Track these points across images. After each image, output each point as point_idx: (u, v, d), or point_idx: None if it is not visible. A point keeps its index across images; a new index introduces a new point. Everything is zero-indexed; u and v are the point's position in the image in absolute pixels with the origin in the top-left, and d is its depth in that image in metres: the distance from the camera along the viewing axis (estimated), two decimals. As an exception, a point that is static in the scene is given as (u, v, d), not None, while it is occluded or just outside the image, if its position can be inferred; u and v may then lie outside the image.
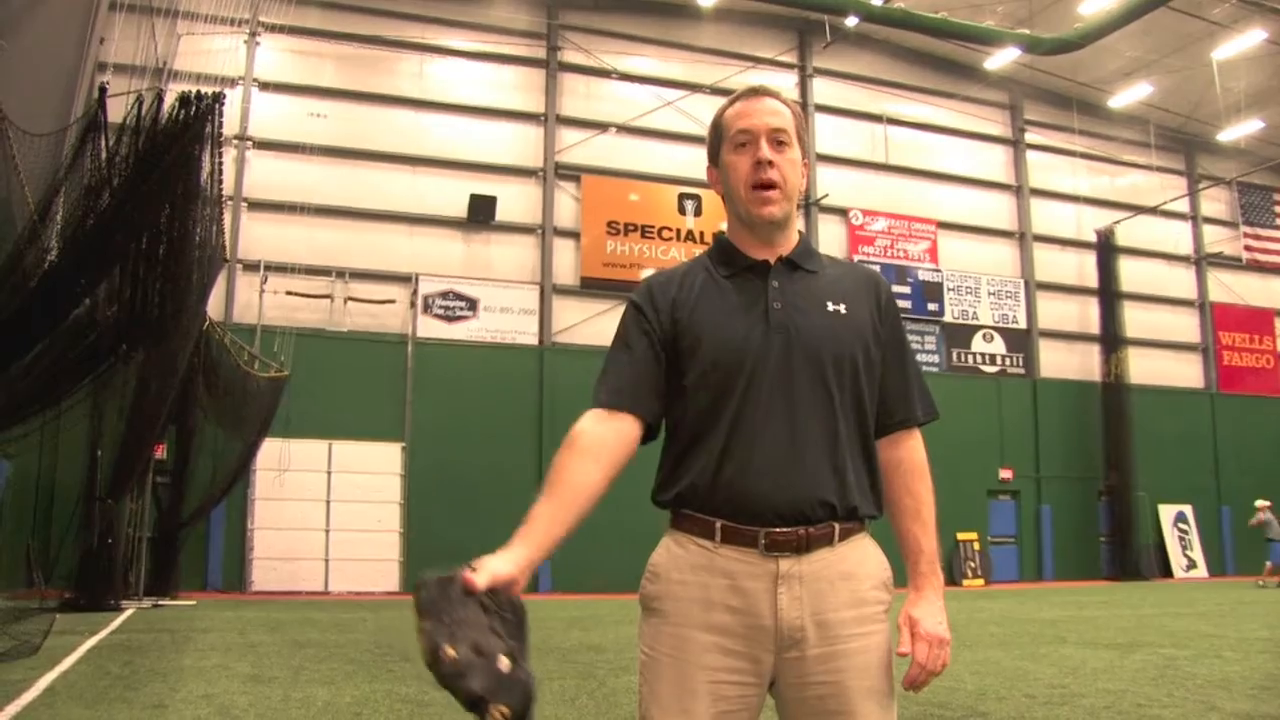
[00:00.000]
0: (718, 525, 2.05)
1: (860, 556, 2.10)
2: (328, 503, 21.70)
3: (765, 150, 2.13)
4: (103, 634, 11.30)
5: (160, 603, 16.28)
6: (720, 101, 2.30)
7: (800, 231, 2.27)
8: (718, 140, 2.24)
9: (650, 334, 2.14)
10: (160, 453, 17.78)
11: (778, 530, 2.02)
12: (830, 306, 2.15)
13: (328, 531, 21.60)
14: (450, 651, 1.76)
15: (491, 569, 1.86)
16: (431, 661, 1.76)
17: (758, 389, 2.06)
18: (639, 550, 2.18)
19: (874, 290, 2.23)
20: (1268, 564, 22.89)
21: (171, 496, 18.31)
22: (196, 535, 19.61)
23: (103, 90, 10.42)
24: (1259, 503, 23.57)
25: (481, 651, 1.77)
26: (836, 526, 2.06)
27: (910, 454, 2.22)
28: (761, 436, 2.04)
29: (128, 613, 14.45)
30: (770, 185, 2.13)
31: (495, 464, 22.57)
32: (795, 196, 2.19)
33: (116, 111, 10.60)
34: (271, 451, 20.62)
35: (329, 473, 21.81)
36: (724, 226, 2.29)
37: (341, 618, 14.56)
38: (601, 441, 2.08)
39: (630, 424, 2.10)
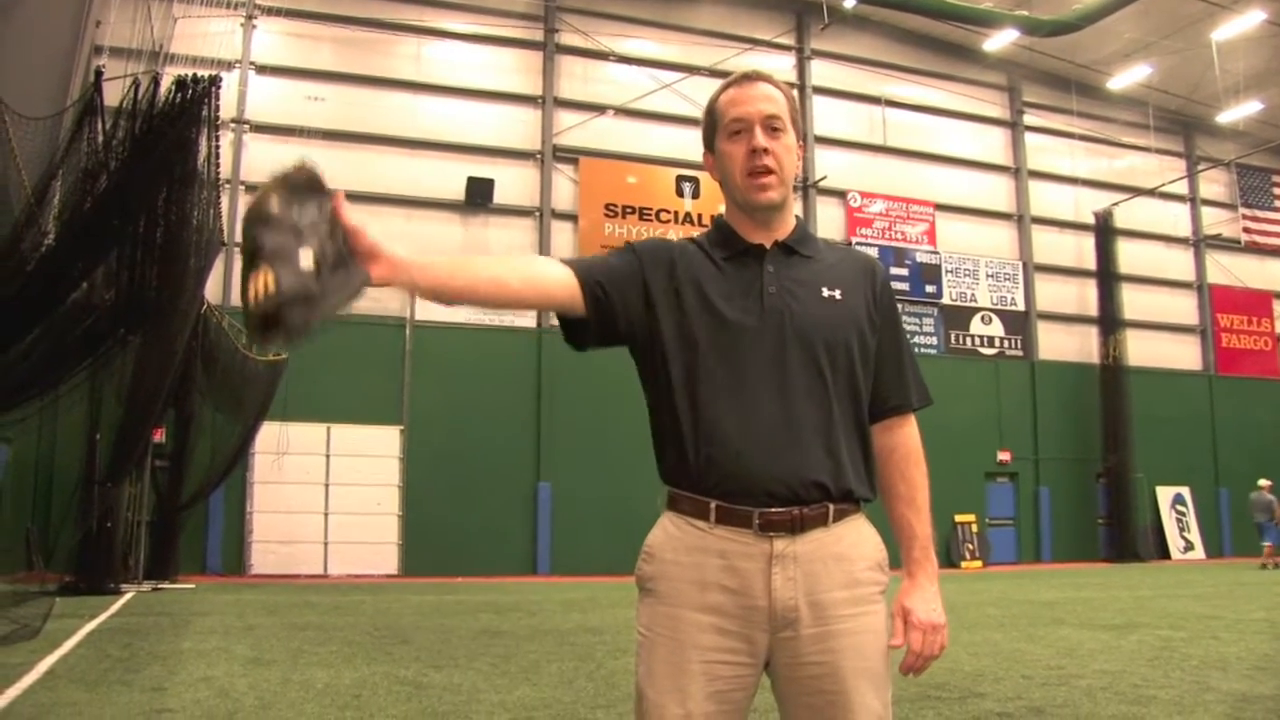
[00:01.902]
0: (712, 506, 2.05)
1: (855, 538, 2.11)
2: (326, 486, 21.73)
3: (760, 138, 2.13)
4: (102, 617, 11.32)
5: (160, 586, 16.31)
6: (717, 84, 2.29)
7: (797, 216, 2.27)
8: (712, 127, 2.23)
9: (639, 274, 2.15)
10: (159, 436, 17.78)
11: (772, 510, 2.03)
12: (825, 292, 2.15)
13: (326, 515, 21.63)
14: (274, 205, 1.70)
15: (364, 222, 1.82)
16: (253, 204, 1.71)
17: (751, 372, 2.07)
18: (637, 532, 2.19)
19: (870, 276, 2.24)
20: (1267, 545, 22.93)
21: (170, 480, 18.31)
22: (195, 519, 19.64)
23: (99, 74, 10.41)
24: (1262, 482, 23.62)
25: (297, 233, 1.71)
26: (831, 507, 2.07)
27: (905, 440, 2.23)
28: (755, 418, 2.05)
29: (127, 596, 14.48)
30: (767, 172, 2.13)
31: (493, 447, 22.62)
32: (791, 181, 2.19)
33: (113, 95, 10.59)
34: (270, 435, 20.64)
35: (327, 456, 21.83)
36: (723, 209, 2.29)
37: (340, 600, 14.60)
38: (535, 262, 2.11)
39: (572, 284, 2.08)
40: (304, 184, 1.76)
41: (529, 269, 2.10)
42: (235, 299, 21.37)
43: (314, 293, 1.70)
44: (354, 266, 1.80)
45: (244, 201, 22.17)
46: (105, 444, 15.38)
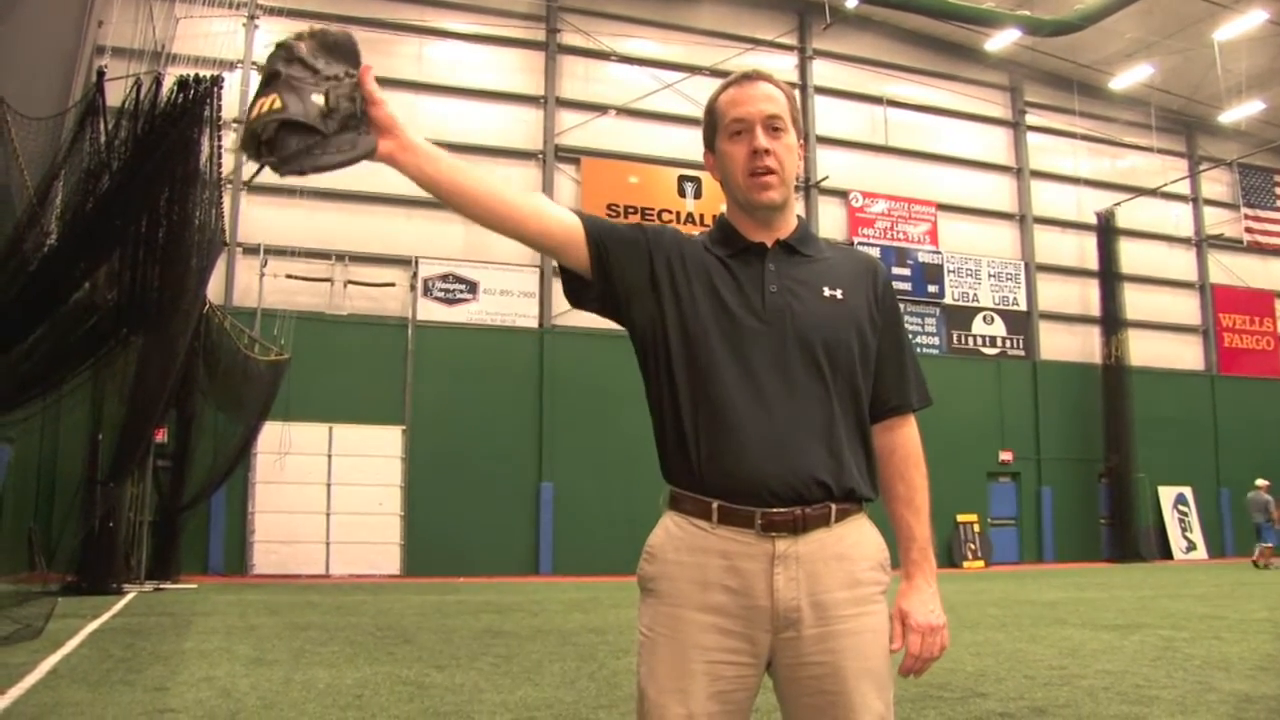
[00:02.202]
0: (714, 506, 2.05)
1: (857, 538, 2.11)
2: (328, 486, 21.73)
3: (761, 139, 2.13)
4: (105, 617, 11.34)
5: (162, 586, 16.33)
6: (719, 84, 2.29)
7: (799, 216, 2.27)
8: (713, 127, 2.23)
9: (646, 251, 2.15)
10: (161, 436, 17.79)
11: (774, 511, 2.03)
12: (827, 292, 2.15)
13: (328, 515, 21.64)
14: (304, 49, 1.73)
15: (381, 92, 1.85)
16: (284, 41, 1.74)
17: (752, 371, 2.06)
18: (639, 532, 2.19)
19: (872, 276, 2.24)
20: (1267, 545, 22.92)
21: (172, 480, 18.33)
22: (197, 519, 19.65)
23: (101, 74, 10.41)
24: (1260, 482, 23.62)
25: (316, 74, 1.73)
26: (833, 507, 2.06)
27: (905, 440, 2.23)
28: (756, 418, 2.04)
29: (129, 596, 14.50)
30: (768, 172, 2.13)
31: (495, 446, 22.63)
32: (792, 181, 2.19)
33: (115, 95, 10.59)
34: (272, 435, 20.65)
35: (329, 456, 21.84)
36: (724, 209, 2.29)
37: (342, 600, 14.60)
38: (551, 207, 2.11)
39: (575, 227, 2.11)
40: (338, 44, 1.80)
41: (535, 199, 2.10)
42: (237, 299, 21.46)
43: (316, 128, 1.72)
44: (364, 130, 1.83)
45: (247, 204, 22.21)
46: (107, 444, 15.39)
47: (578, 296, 2.17)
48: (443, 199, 2.00)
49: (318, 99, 1.73)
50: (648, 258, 2.14)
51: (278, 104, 1.69)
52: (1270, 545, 22.94)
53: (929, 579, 2.17)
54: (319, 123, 1.73)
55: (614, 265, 2.12)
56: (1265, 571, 21.49)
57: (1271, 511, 23.16)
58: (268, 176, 22.33)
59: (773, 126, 2.15)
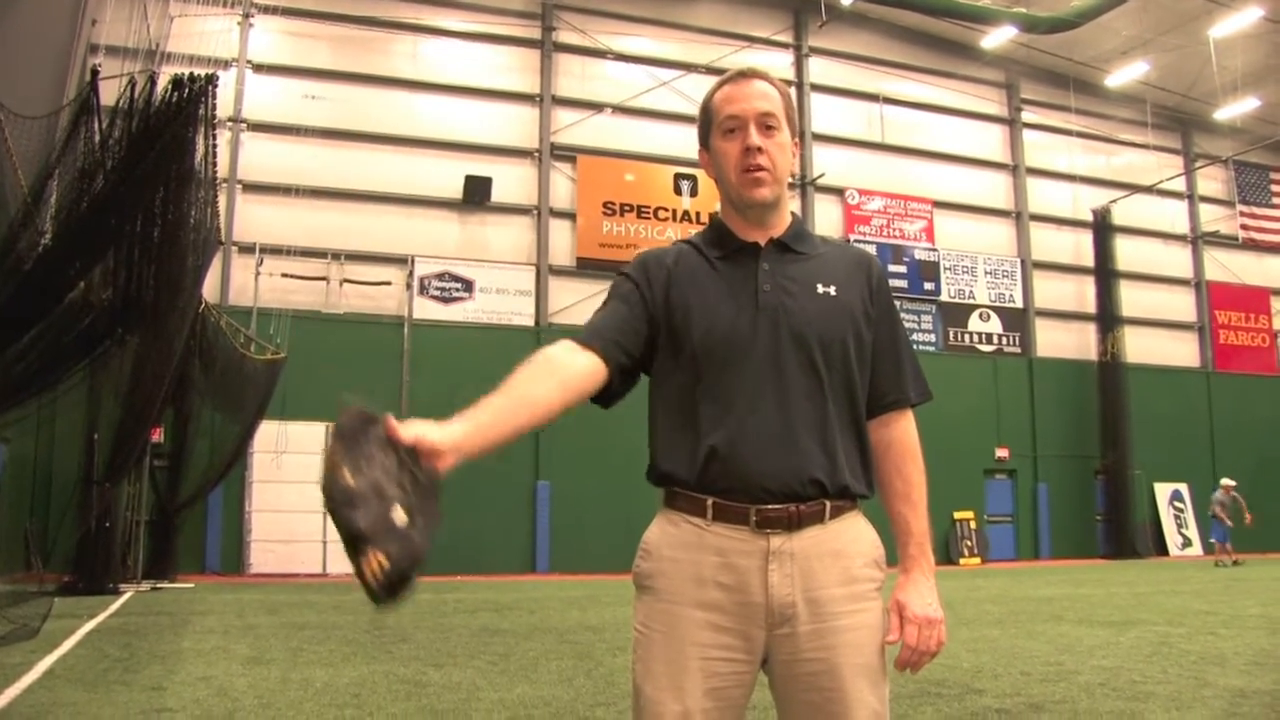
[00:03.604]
0: (709, 503, 2.05)
1: (852, 534, 2.11)
2: (325, 485, 21.68)
3: (754, 137, 2.13)
4: (101, 617, 11.33)
5: (159, 586, 16.32)
6: (714, 81, 2.29)
7: (793, 213, 2.27)
8: (707, 125, 2.23)
9: (642, 302, 2.15)
10: (157, 436, 17.77)
11: (769, 507, 2.03)
12: (820, 289, 2.15)
13: (325, 513, 21.50)
14: (348, 478, 1.69)
15: (421, 430, 1.82)
16: (327, 484, 1.68)
17: (747, 370, 2.07)
18: (636, 530, 2.19)
19: (866, 271, 2.24)
20: (1225, 544, 23.02)
21: (169, 479, 18.33)
22: (194, 518, 19.63)
23: (95, 73, 10.40)
24: (1225, 481, 23.69)
25: (380, 493, 1.70)
26: (828, 504, 2.07)
27: (902, 435, 2.22)
28: (751, 416, 2.05)
29: (126, 596, 14.49)
30: (760, 169, 2.13)
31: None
32: (785, 179, 2.19)
33: (109, 94, 10.58)
34: (269, 434, 20.64)
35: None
36: (719, 207, 2.29)
37: (340, 599, 14.59)
38: (568, 366, 2.07)
39: (598, 364, 2.08)
40: (356, 428, 1.75)
41: (562, 377, 2.06)
42: (233, 298, 21.45)
43: (418, 544, 1.72)
44: (430, 484, 1.81)
45: (243, 203, 22.17)
46: (103, 443, 15.37)
47: (607, 402, 2.17)
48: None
49: (399, 517, 1.72)
50: (646, 310, 2.15)
51: (385, 562, 1.68)
52: (1219, 542, 23.07)
53: (926, 573, 2.17)
54: (416, 537, 1.73)
55: (636, 359, 2.14)
56: (1233, 568, 21.58)
57: (1225, 510, 23.23)
58: (261, 175, 22.17)
59: (766, 124, 2.15)
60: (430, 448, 1.81)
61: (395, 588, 1.70)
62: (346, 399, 1.79)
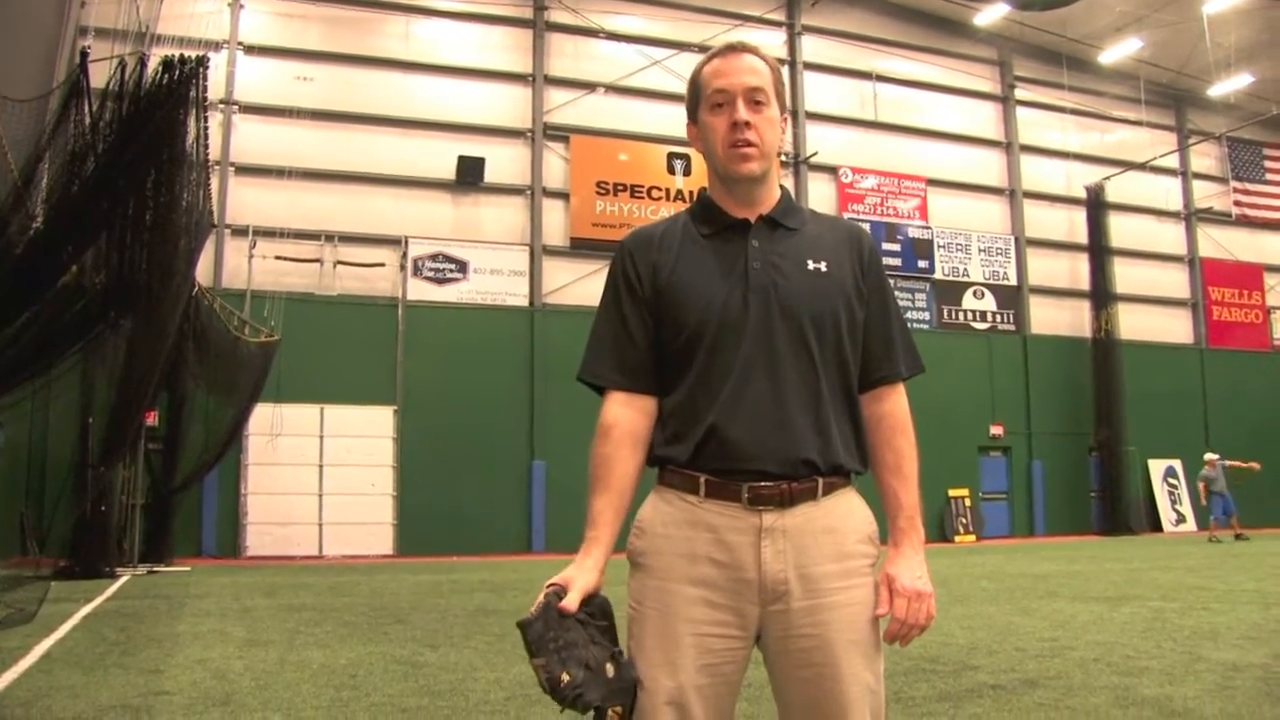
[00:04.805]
0: (702, 480, 2.06)
1: (845, 511, 2.11)
2: (320, 467, 21.72)
3: (742, 111, 2.12)
4: (98, 601, 11.34)
5: (155, 569, 16.32)
6: (703, 56, 2.28)
7: (783, 188, 2.26)
8: (696, 99, 2.23)
9: (640, 303, 2.16)
10: (152, 419, 17.76)
11: (761, 485, 2.04)
12: (811, 265, 2.15)
13: (321, 496, 21.63)
14: (566, 677, 1.95)
15: (579, 586, 2.03)
16: (552, 690, 1.94)
17: (738, 348, 2.07)
18: (631, 510, 2.20)
19: (856, 246, 2.23)
20: (1231, 517, 23.04)
21: (164, 463, 18.30)
22: (190, 501, 19.62)
23: (84, 55, 10.33)
24: (1208, 456, 23.75)
25: (590, 666, 1.96)
26: (820, 481, 2.07)
27: (893, 409, 2.22)
28: (743, 394, 2.05)
29: (123, 580, 14.49)
30: (748, 144, 2.13)
31: (487, 426, 22.63)
32: (774, 154, 2.18)
33: (99, 76, 10.51)
34: (263, 416, 20.62)
35: (321, 437, 21.81)
36: (708, 183, 2.28)
37: (336, 581, 14.62)
38: (634, 428, 2.16)
39: (651, 404, 2.17)
40: (539, 630, 2.00)
41: (637, 442, 2.17)
42: (226, 281, 21.42)
43: (630, 677, 2.02)
44: (605, 617, 2.08)
45: (235, 185, 22.10)
46: (98, 428, 15.36)
47: None
48: None
49: (610, 671, 2.00)
50: (642, 297, 2.18)
51: (619, 712, 1.99)
52: (1216, 519, 23.11)
53: (916, 547, 2.17)
54: (628, 674, 2.03)
55: (658, 356, 2.19)
56: (1239, 543, 21.65)
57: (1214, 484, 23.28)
58: (254, 157, 22.11)
59: (754, 99, 2.14)
60: (592, 589, 2.06)
61: (631, 714, 2.02)
62: (521, 620, 2.02)
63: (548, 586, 2.05)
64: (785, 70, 26.49)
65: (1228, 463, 23.48)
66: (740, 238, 2.16)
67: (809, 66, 27.75)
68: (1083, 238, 30.09)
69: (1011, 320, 28.98)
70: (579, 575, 2.03)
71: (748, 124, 2.12)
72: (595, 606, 2.05)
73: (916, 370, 2.26)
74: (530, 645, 1.97)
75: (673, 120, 24.84)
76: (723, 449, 2.04)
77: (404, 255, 23.30)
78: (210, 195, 16.10)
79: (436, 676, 6.43)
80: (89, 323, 11.63)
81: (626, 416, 2.13)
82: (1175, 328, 31.44)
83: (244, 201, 22.37)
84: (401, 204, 23.49)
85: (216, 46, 21.27)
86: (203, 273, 19.01)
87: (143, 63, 10.33)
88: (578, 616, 2.01)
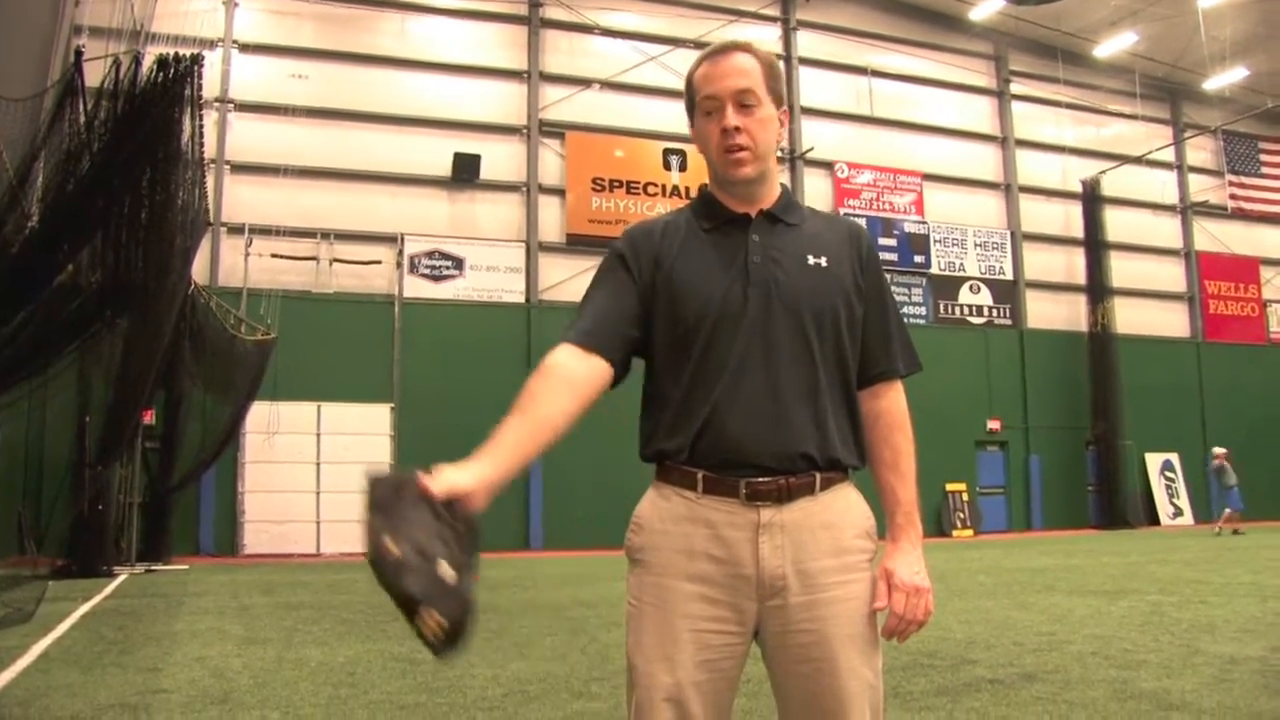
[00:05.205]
0: (699, 476, 2.06)
1: (842, 506, 2.11)
2: (318, 465, 21.71)
3: (730, 118, 2.11)
4: (96, 600, 11.33)
5: (153, 568, 16.31)
6: (696, 58, 2.28)
7: (783, 185, 2.26)
8: (691, 104, 2.23)
9: (632, 282, 2.15)
10: (149, 418, 17.74)
11: (759, 480, 2.03)
12: (811, 260, 2.15)
13: (318, 493, 21.62)
14: (392, 547, 1.72)
15: (450, 479, 1.84)
16: (374, 557, 1.72)
17: (737, 342, 2.07)
18: (628, 506, 2.20)
19: (856, 243, 2.23)
20: (1226, 510, 23.04)
21: (161, 462, 18.30)
22: (187, 500, 19.62)
23: (79, 54, 10.33)
24: (1216, 450, 23.76)
25: (425, 555, 1.73)
26: (818, 476, 2.07)
27: (891, 406, 2.22)
28: (741, 389, 2.05)
29: (120, 578, 14.48)
30: (740, 149, 2.12)
31: (484, 423, 21.75)
32: (769, 154, 2.17)
33: (94, 75, 10.50)
34: (260, 414, 20.61)
35: (318, 435, 21.81)
36: (709, 179, 2.29)
37: (334, 579, 14.62)
38: (576, 376, 2.07)
39: (603, 367, 2.09)
40: (388, 495, 1.78)
41: (572, 388, 2.06)
42: (223, 279, 21.40)
43: (466, 593, 1.76)
44: (468, 532, 1.84)
45: (231, 183, 22.07)
46: (95, 427, 15.35)
47: (614, 385, 2.16)
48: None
49: (446, 573, 1.74)
50: (637, 288, 2.15)
51: (441, 620, 1.72)
52: (1230, 511, 23.09)
53: (914, 542, 2.17)
54: (464, 587, 1.76)
55: (634, 341, 2.14)
56: (1242, 536, 21.65)
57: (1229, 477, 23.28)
58: (249, 155, 22.08)
59: (743, 102, 2.12)
60: (463, 495, 1.85)
61: (455, 640, 1.75)
62: (371, 472, 1.81)
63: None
64: (781, 65, 26.46)
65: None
66: (741, 232, 2.16)
67: (804, 62, 27.76)
68: (1079, 232, 30.12)
69: (1008, 315, 29.00)
70: (452, 471, 1.88)
71: (737, 129, 2.11)
72: (459, 512, 1.83)
73: (914, 368, 2.26)
74: (372, 502, 1.75)
75: (668, 116, 24.87)
76: (720, 442, 2.04)
77: (400, 252, 23.30)
78: (206, 193, 16.08)
79: (435, 673, 6.42)
80: (85, 322, 11.64)
81: (571, 364, 2.08)
82: (1172, 321, 31.48)
83: (240, 199, 22.36)
84: (397, 201, 23.49)
85: (211, 45, 21.25)
86: (199, 271, 18.98)
87: (137, 61, 10.33)
88: (434, 507, 1.79)
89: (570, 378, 2.07)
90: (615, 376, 2.12)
